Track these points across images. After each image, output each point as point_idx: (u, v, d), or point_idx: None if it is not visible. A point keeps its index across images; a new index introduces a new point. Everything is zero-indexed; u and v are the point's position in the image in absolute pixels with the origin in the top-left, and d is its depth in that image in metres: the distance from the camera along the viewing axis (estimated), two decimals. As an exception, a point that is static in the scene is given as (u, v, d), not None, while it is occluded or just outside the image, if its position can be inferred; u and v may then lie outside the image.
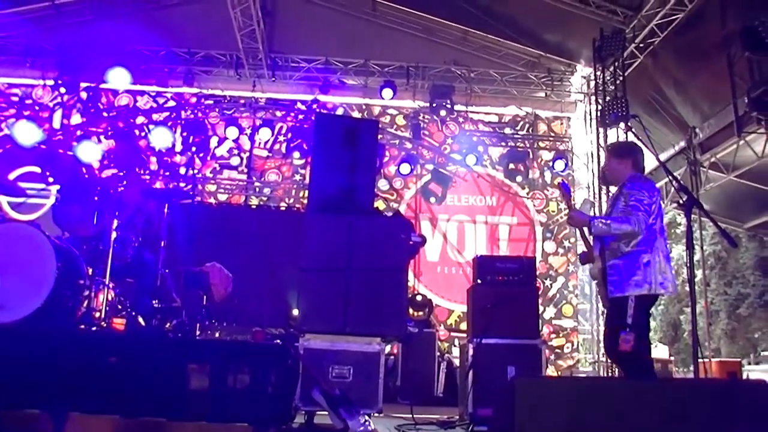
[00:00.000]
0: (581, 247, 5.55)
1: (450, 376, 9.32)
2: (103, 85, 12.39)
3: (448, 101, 12.51)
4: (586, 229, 5.03)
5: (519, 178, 12.95)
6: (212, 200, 12.85)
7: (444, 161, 13.23)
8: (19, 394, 4.06)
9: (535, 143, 13.66)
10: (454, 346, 12.17)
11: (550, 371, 11.74)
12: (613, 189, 5.53)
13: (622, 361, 4.83)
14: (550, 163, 13.20)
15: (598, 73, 11.83)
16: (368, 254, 5.11)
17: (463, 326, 12.22)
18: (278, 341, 6.23)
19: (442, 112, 12.56)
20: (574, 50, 12.70)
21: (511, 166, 12.85)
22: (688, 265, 4.83)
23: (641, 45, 11.18)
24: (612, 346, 4.69)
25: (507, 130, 13.62)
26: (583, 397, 3.63)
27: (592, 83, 12.49)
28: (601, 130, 11.91)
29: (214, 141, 13.18)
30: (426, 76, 13.11)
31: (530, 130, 13.70)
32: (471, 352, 6.09)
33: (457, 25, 12.86)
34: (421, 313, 10.45)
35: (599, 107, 11.89)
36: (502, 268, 6.48)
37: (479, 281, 6.46)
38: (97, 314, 5.74)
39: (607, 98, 11.48)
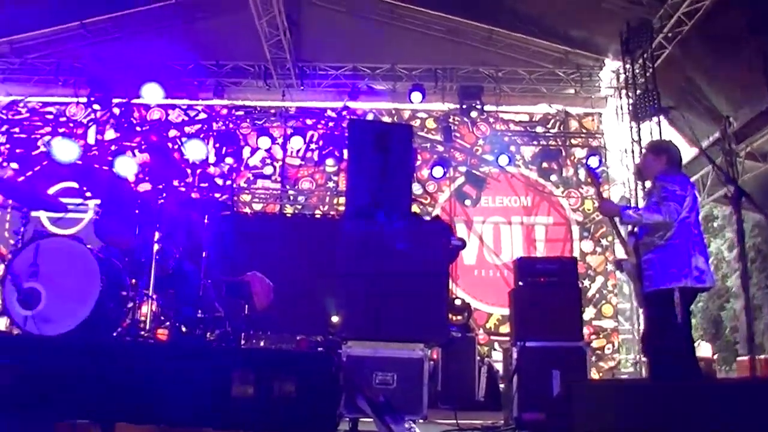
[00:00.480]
0: (619, 246, 5.48)
1: (491, 381, 9.23)
2: (135, 100, 12.57)
3: (478, 102, 12.45)
4: (617, 220, 4.95)
5: (553, 177, 12.84)
6: (247, 210, 12.91)
7: (477, 163, 13.15)
8: (69, 405, 4.09)
9: (568, 141, 13.52)
10: (494, 349, 12.08)
11: (592, 374, 11.58)
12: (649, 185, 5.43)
13: (663, 361, 4.66)
14: (584, 161, 13.03)
15: (627, 66, 11.67)
16: (408, 259, 5.08)
17: (503, 329, 12.16)
18: (321, 349, 6.22)
19: (473, 114, 12.50)
20: (601, 44, 12.52)
21: (545, 164, 12.74)
22: (739, 258, 4.73)
23: (669, 35, 10.97)
24: (651, 343, 4.59)
25: (538, 129, 13.48)
26: (639, 399, 3.55)
27: (622, 77, 12.32)
28: (633, 124, 11.72)
29: (246, 151, 13.25)
30: (454, 78, 13.05)
31: (562, 128, 13.55)
32: (515, 355, 6.02)
33: (482, 25, 12.76)
34: (459, 317, 10.37)
35: (630, 101, 11.72)
36: (542, 269, 6.41)
37: (520, 283, 6.40)
38: (141, 325, 5.78)
39: (638, 91, 11.32)
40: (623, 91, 12.31)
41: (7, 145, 12.98)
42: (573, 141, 13.54)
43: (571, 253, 12.62)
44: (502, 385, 8.64)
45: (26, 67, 13.48)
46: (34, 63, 13.45)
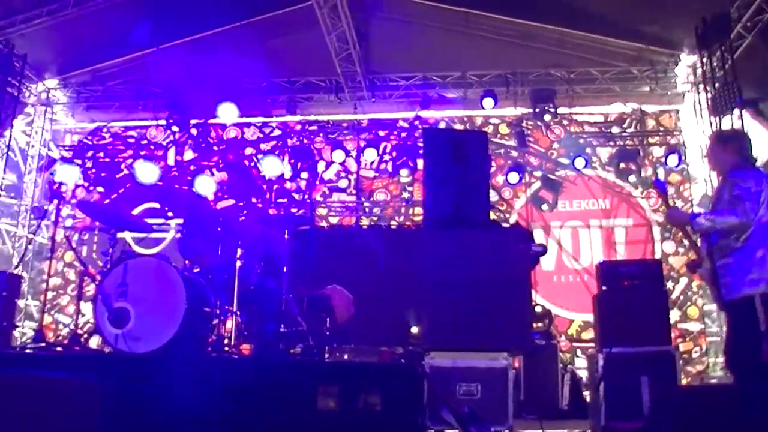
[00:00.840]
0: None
1: (575, 388, 9.06)
2: (211, 121, 12.89)
3: (551, 105, 12.28)
4: (689, 228, 4.61)
5: (631, 178, 12.51)
6: (324, 223, 13.04)
7: (552, 167, 12.96)
8: (162, 420, 4.20)
9: (645, 140, 13.17)
10: (577, 356, 11.86)
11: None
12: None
13: (751, 377, 4.13)
14: (663, 159, 12.68)
15: (704, 59, 11.29)
16: (489, 267, 5.05)
17: (585, 335, 11.93)
18: (403, 361, 6.21)
19: (546, 117, 12.33)
20: (676, 39, 12.15)
21: (622, 165, 12.44)
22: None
23: (748, 24, 10.57)
24: (736, 358, 4.29)
25: (614, 129, 13.19)
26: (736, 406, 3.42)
27: (699, 71, 11.90)
28: (713, 119, 11.33)
29: (321, 165, 13.41)
30: (525, 82, 12.90)
31: (638, 127, 13.21)
32: (600, 362, 5.88)
33: (552, 27, 12.56)
34: (540, 324, 10.23)
35: (709, 95, 11.34)
36: (626, 272, 6.27)
37: (604, 288, 6.26)
38: (226, 341, 5.89)
39: (717, 85, 10.94)
40: (701, 86, 11.92)
41: (93, 170, 13.48)
42: (650, 140, 13.20)
43: (653, 255, 12.27)
44: (586, 393, 8.47)
45: (108, 93, 14.02)
46: (116, 89, 13.96)
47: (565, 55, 12.77)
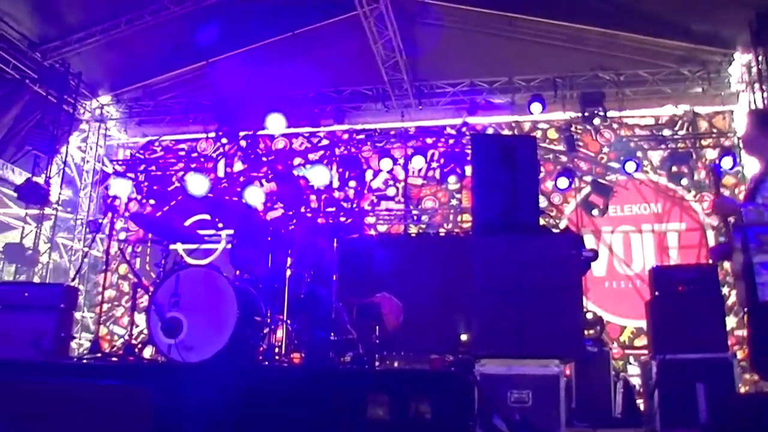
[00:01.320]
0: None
1: (628, 396, 8.87)
2: (260, 132, 13.04)
3: (600, 108, 12.09)
4: (733, 219, 4.33)
5: (684, 181, 12.25)
6: (372, 232, 13.07)
7: (602, 171, 12.78)
8: (214, 428, 4.25)
9: (697, 142, 12.88)
10: (630, 363, 11.64)
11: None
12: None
13: None
14: (716, 162, 12.39)
15: (760, 57, 11.02)
16: (539, 273, 4.97)
17: (638, 342, 11.70)
18: (454, 368, 6.19)
19: (595, 121, 12.15)
20: (728, 37, 11.86)
21: (674, 168, 12.19)
22: None
23: (806, 17, 10.32)
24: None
25: (665, 132, 12.92)
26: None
27: (754, 70, 11.61)
28: (770, 119, 11.03)
29: (369, 174, 13.44)
30: (574, 86, 12.77)
31: (690, 129, 12.91)
32: (654, 369, 5.77)
33: (599, 29, 12.41)
34: (592, 331, 10.07)
35: (765, 95, 11.05)
36: (680, 277, 6.13)
37: (657, 294, 6.14)
38: (277, 350, 5.94)
39: (773, 83, 10.69)
40: (756, 85, 11.63)
41: (146, 183, 13.74)
42: (703, 142, 12.90)
43: (707, 260, 11.98)
44: (640, 401, 8.30)
45: (159, 108, 14.34)
46: (166, 104, 14.27)
47: (614, 57, 12.60)
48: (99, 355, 5.99)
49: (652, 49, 12.39)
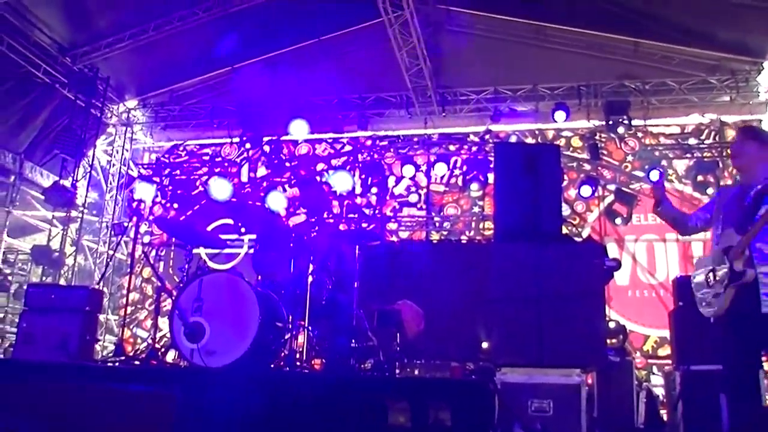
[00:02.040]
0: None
1: (650, 406, 8.79)
2: (283, 137, 13.12)
3: (625, 117, 12.01)
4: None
5: (710, 191, 12.10)
6: (394, 238, 13.08)
7: (626, 180, 12.69)
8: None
9: (724, 151, 12.72)
10: (653, 373, 11.55)
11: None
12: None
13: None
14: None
15: (791, 65, 10.92)
16: (561, 282, 4.96)
17: (661, 352, 11.60)
18: (474, 376, 6.18)
19: (620, 129, 12.06)
20: (758, 46, 11.70)
21: (700, 178, 12.08)
22: None
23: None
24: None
25: (691, 141, 12.82)
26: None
27: (784, 78, 11.54)
28: (799, 130, 10.92)
29: (391, 180, 13.48)
30: (598, 94, 12.71)
31: (717, 138, 12.79)
32: (678, 380, 5.72)
33: (625, 37, 12.33)
34: (615, 340, 9.99)
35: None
36: (705, 288, 6.05)
37: (681, 304, 6.09)
38: (298, 356, 5.95)
39: (803, 91, 10.55)
40: (786, 94, 11.52)
41: (170, 187, 13.87)
42: (730, 151, 12.74)
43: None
44: (663, 411, 8.24)
45: (185, 112, 14.48)
46: (192, 108, 14.41)
47: (639, 66, 12.52)
48: (122, 358, 6.05)
49: (678, 58, 12.30)
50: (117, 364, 5.90)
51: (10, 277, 13.75)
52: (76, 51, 12.61)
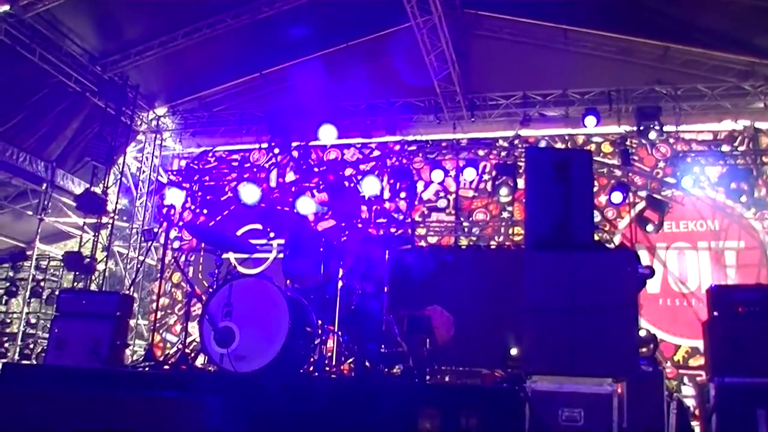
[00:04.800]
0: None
1: (681, 418, 8.64)
2: (312, 143, 13.16)
3: (656, 122, 11.87)
4: None
5: (743, 198, 11.94)
6: (423, 243, 13.04)
7: (657, 186, 12.54)
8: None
9: (758, 158, 12.52)
10: (684, 384, 11.36)
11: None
12: None
13: None
14: (776, 179, 12.06)
15: (827, 72, 10.72)
16: (593, 290, 4.87)
17: (692, 362, 11.42)
18: (505, 384, 6.12)
19: (651, 135, 11.93)
20: (793, 52, 11.60)
21: (733, 185, 11.90)
22: None
23: None
24: None
25: (724, 147, 12.61)
26: None
27: (821, 84, 11.33)
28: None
29: (420, 185, 13.45)
30: (629, 99, 12.60)
31: (751, 145, 12.59)
32: (712, 392, 5.60)
33: (656, 42, 12.21)
34: (645, 349, 9.87)
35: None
36: (741, 298, 5.92)
37: (716, 314, 5.96)
38: (327, 361, 5.95)
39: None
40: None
41: (199, 193, 13.97)
42: (765, 158, 12.53)
43: (767, 280, 11.63)
44: (695, 423, 8.10)
45: (214, 119, 14.59)
46: (220, 115, 14.53)
47: (671, 71, 12.39)
48: (152, 363, 6.08)
49: (711, 63, 12.15)
50: (147, 369, 5.92)
51: (42, 283, 13.93)
52: (106, 60, 12.77)
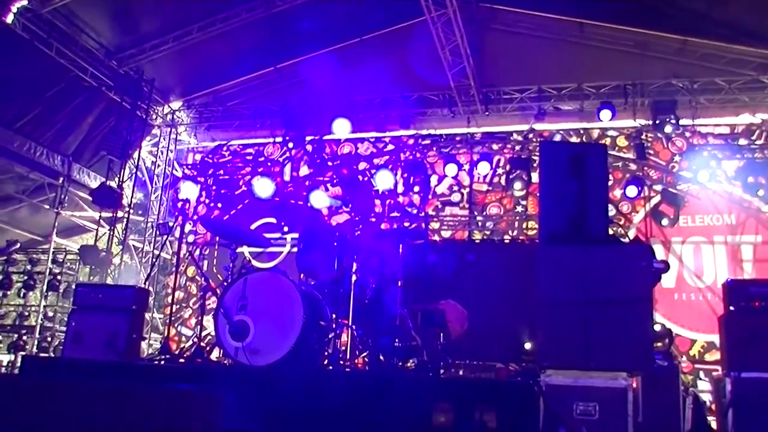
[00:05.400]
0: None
1: (697, 413, 8.60)
2: (326, 137, 13.17)
3: (672, 116, 11.80)
4: None
5: (761, 192, 11.83)
6: (436, 237, 13.04)
7: (673, 180, 12.46)
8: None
9: (776, 152, 12.46)
10: (700, 379, 11.32)
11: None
12: None
13: None
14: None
15: None
16: (608, 284, 4.85)
17: (709, 357, 11.37)
18: (519, 378, 6.11)
19: (667, 129, 11.85)
20: (813, 45, 11.46)
21: (750, 179, 11.79)
22: None
23: None
24: None
25: (742, 141, 12.50)
26: None
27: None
28: None
29: (434, 179, 13.44)
30: (645, 93, 12.50)
31: (769, 139, 12.52)
32: (728, 387, 5.56)
33: (673, 35, 12.11)
34: (660, 343, 9.83)
35: None
36: (758, 293, 5.87)
37: (732, 308, 5.92)
38: (341, 354, 5.96)
39: None
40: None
41: (214, 187, 14.02)
42: None
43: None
44: (711, 418, 8.06)
45: (228, 113, 14.62)
46: (235, 109, 14.55)
47: (687, 65, 12.27)
48: (168, 356, 6.12)
49: (729, 56, 12.01)
50: (163, 362, 5.96)
51: (59, 277, 14.05)
52: (122, 54, 12.84)
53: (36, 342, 13.34)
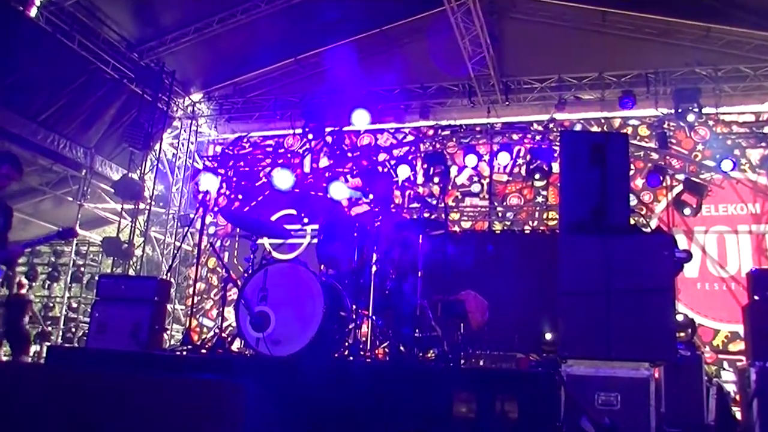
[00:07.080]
0: None
1: (721, 403, 8.53)
2: (346, 128, 13.17)
3: (695, 105, 11.65)
4: None
5: (786, 181, 11.70)
6: (456, 228, 13.01)
7: (696, 169, 12.33)
8: (301, 421, 4.31)
9: (802, 141, 12.28)
10: (723, 369, 11.22)
11: None
12: None
13: None
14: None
15: None
16: (630, 274, 4.82)
17: (732, 347, 11.27)
18: (540, 368, 6.10)
19: (690, 117, 11.71)
20: (840, 28, 11.27)
21: (775, 168, 11.67)
22: None
23: None
24: None
25: (766, 129, 12.37)
26: None
27: None
28: None
29: (454, 170, 13.40)
30: (667, 82, 12.37)
31: (794, 127, 12.33)
32: (753, 377, 5.52)
33: (695, 22, 11.94)
34: (683, 333, 9.77)
35: None
36: (782, 281, 5.84)
37: (757, 298, 5.87)
38: (362, 345, 5.98)
39: None
40: None
41: (234, 179, 14.08)
42: None
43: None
44: (735, 409, 8.00)
45: (248, 105, 14.66)
46: (255, 100, 14.59)
47: (711, 52, 12.11)
48: (190, 347, 6.16)
49: (754, 43, 11.83)
50: (185, 352, 6.01)
51: (82, 268, 14.22)
52: (143, 46, 12.91)
53: (61, 333, 13.51)
